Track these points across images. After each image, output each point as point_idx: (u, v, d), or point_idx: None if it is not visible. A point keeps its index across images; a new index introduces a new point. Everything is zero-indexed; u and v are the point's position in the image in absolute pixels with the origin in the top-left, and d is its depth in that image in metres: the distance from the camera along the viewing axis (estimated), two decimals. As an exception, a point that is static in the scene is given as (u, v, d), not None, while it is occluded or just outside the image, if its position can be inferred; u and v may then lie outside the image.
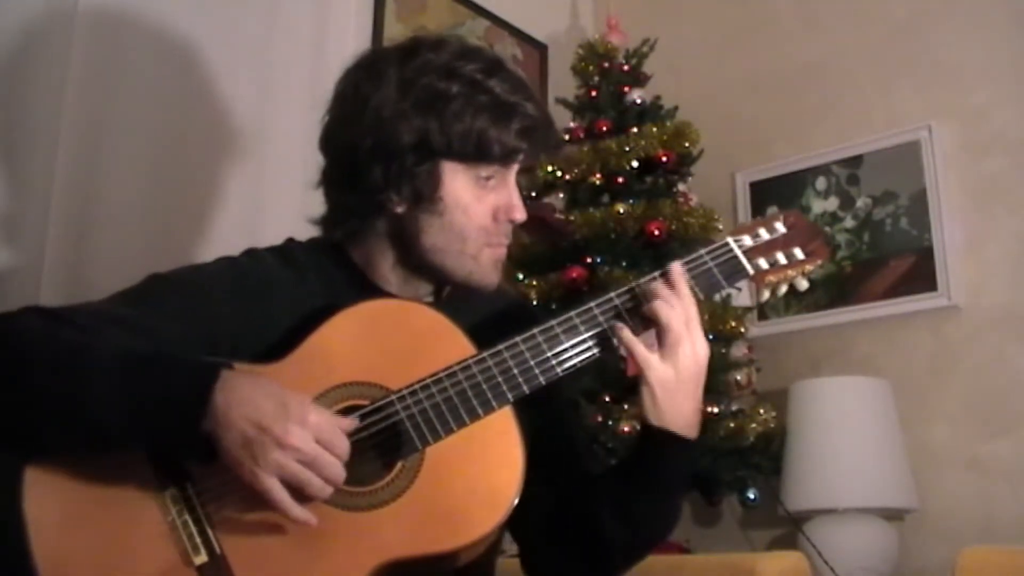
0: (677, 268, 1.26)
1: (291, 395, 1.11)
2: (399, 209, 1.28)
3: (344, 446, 1.11)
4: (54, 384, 1.10)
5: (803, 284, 1.33)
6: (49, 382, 1.10)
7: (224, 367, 1.11)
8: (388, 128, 1.25)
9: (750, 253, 1.30)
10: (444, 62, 1.27)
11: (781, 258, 1.31)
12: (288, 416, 1.08)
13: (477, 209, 1.28)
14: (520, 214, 1.31)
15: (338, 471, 1.10)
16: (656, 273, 1.27)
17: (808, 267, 1.32)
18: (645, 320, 1.26)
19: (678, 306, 1.23)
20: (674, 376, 1.24)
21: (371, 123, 1.26)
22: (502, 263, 1.34)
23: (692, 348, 1.23)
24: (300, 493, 1.09)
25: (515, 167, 1.32)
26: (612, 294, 1.28)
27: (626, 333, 1.24)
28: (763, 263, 1.31)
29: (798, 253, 1.31)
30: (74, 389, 1.10)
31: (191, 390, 1.09)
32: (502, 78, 1.28)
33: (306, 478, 1.08)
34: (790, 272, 1.31)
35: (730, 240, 1.31)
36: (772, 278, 1.31)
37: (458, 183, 1.27)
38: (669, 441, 1.26)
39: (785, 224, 1.32)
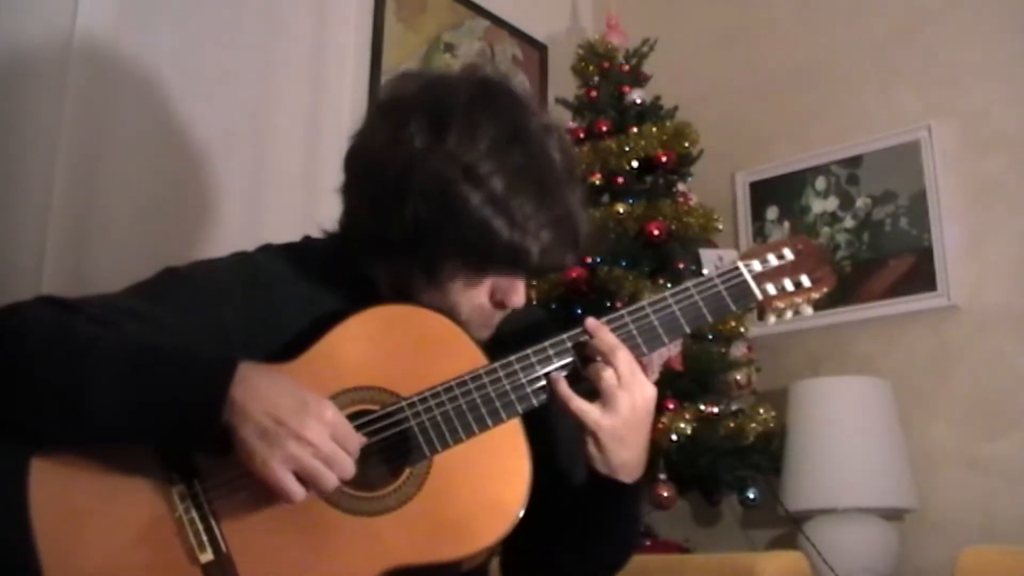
0: (592, 323, 1.23)
1: (308, 391, 1.11)
2: (395, 267, 1.25)
3: (356, 448, 1.11)
4: (65, 377, 1.10)
5: (807, 311, 1.33)
6: (60, 374, 1.10)
7: (241, 360, 1.11)
8: (393, 201, 1.20)
9: (759, 278, 1.30)
10: (472, 160, 1.18)
11: (788, 284, 1.31)
12: (306, 411, 1.08)
13: (473, 293, 1.25)
14: (518, 301, 1.26)
15: (350, 468, 1.10)
16: (533, 349, 1.23)
17: (814, 295, 1.32)
18: None
19: (610, 363, 1.20)
20: (615, 427, 1.20)
21: (380, 184, 1.22)
22: (495, 327, 1.30)
23: (631, 399, 1.20)
24: (308, 487, 1.09)
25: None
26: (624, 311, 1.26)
27: (562, 387, 1.21)
28: (771, 289, 1.31)
29: (805, 281, 1.32)
30: (85, 382, 1.09)
31: (210, 383, 1.09)
32: (531, 191, 1.19)
33: (319, 472, 1.08)
34: (796, 299, 1.32)
35: (740, 265, 1.31)
36: (779, 304, 1.31)
37: (457, 269, 1.23)
38: (613, 488, 1.24)
39: (793, 250, 1.33)
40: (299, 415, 1.08)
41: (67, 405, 1.10)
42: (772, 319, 1.33)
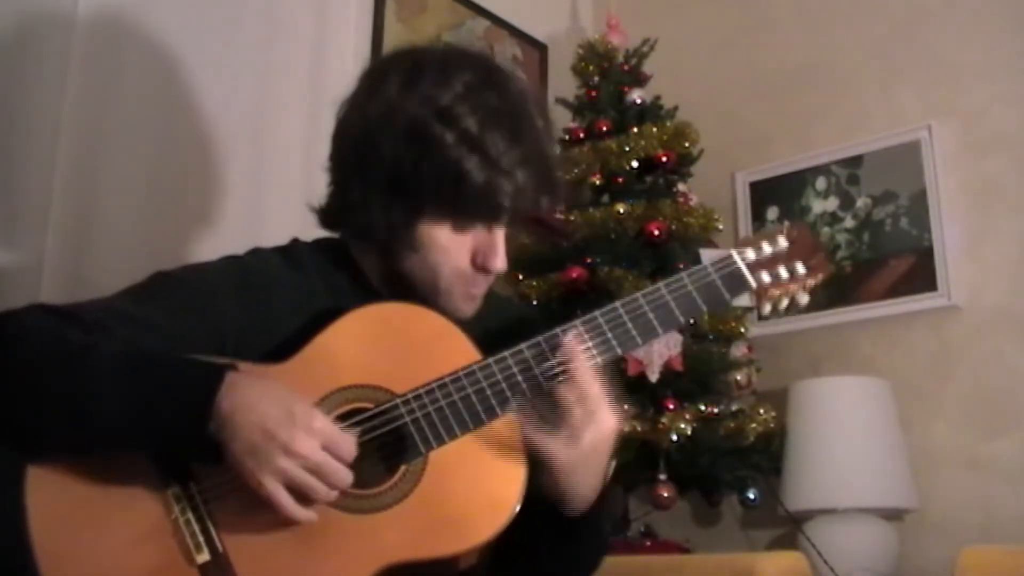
0: (571, 345, 1.19)
1: (297, 400, 1.10)
2: (377, 233, 1.26)
3: (350, 450, 1.10)
4: (59, 386, 1.10)
5: (803, 299, 1.33)
6: (54, 384, 1.10)
7: (229, 369, 1.11)
8: (369, 150, 1.23)
9: (753, 267, 1.30)
10: (444, 101, 1.21)
11: (783, 272, 1.31)
12: (294, 422, 1.07)
13: (453, 251, 1.25)
14: (498, 264, 1.26)
15: (344, 476, 1.10)
16: (559, 329, 1.21)
17: (809, 282, 1.32)
18: None
19: (578, 389, 1.17)
20: (570, 458, 1.18)
21: (358, 138, 1.25)
22: (479, 299, 1.30)
23: (597, 428, 1.18)
24: (304, 497, 1.09)
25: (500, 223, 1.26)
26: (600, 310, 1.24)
27: (529, 431, 1.17)
28: (765, 277, 1.30)
29: (800, 268, 1.32)
30: (79, 391, 1.09)
31: (196, 393, 1.09)
32: (506, 129, 1.22)
33: (311, 484, 1.08)
34: (791, 287, 1.32)
35: (734, 253, 1.30)
36: (774, 292, 1.31)
37: (435, 225, 1.24)
38: (561, 518, 1.23)
39: (788, 238, 1.32)
40: (287, 427, 1.07)
41: (63, 412, 1.10)
42: (767, 308, 1.33)
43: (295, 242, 1.39)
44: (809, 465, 2.52)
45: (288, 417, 1.08)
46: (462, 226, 1.24)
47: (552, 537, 1.25)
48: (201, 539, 1.12)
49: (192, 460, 1.13)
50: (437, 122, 1.20)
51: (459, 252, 1.25)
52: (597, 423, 1.18)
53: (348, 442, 1.11)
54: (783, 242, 1.32)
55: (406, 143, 1.21)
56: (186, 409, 1.08)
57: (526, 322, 1.38)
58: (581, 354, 1.20)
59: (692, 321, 2.53)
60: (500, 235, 1.27)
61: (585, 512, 1.23)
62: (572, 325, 1.23)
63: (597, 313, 1.24)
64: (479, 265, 1.27)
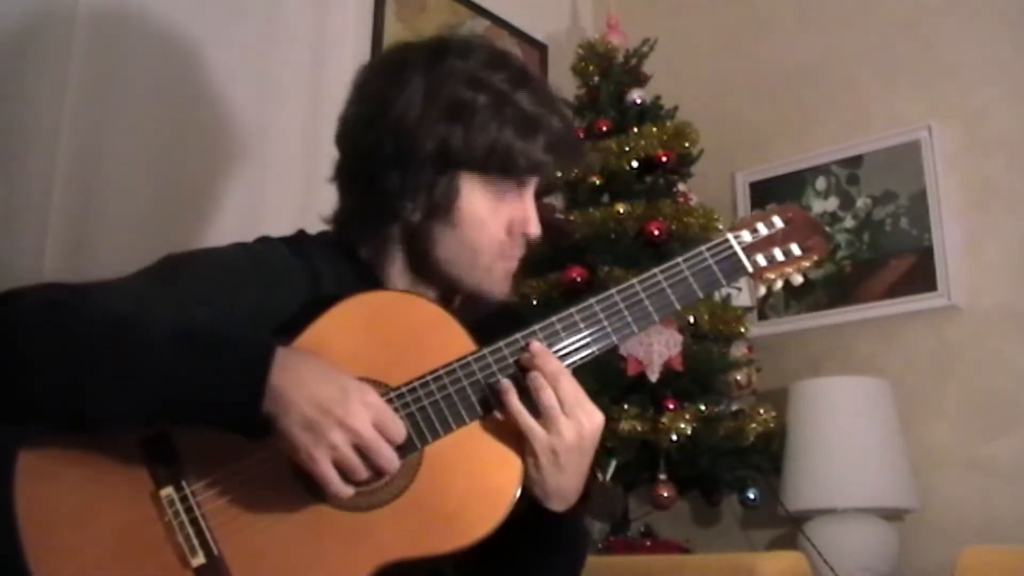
0: (537, 347, 1.20)
1: (347, 377, 1.11)
2: (414, 217, 1.27)
3: (400, 433, 1.11)
4: (108, 354, 1.07)
5: (797, 279, 1.32)
6: (103, 352, 1.07)
7: (277, 344, 1.10)
8: (410, 135, 1.25)
9: (749, 250, 1.29)
10: (471, 70, 1.27)
11: (779, 254, 1.30)
12: (348, 397, 1.08)
13: (492, 222, 1.29)
14: (535, 228, 1.31)
15: (392, 459, 1.10)
16: (523, 333, 1.21)
17: (805, 263, 1.31)
18: None
19: (551, 386, 1.18)
20: (558, 451, 1.18)
21: (393, 128, 1.26)
22: (513, 275, 1.34)
23: (577, 426, 1.18)
24: (347, 479, 1.08)
25: (534, 182, 1.32)
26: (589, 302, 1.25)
27: (511, 399, 1.18)
28: (761, 260, 1.30)
29: (795, 249, 1.31)
30: (129, 360, 1.07)
31: (249, 369, 1.07)
32: (530, 90, 1.29)
33: (354, 464, 1.07)
34: (787, 269, 1.31)
35: (730, 237, 1.29)
36: (770, 275, 1.30)
37: (476, 196, 1.27)
38: (545, 516, 1.22)
39: (783, 219, 1.31)
40: (342, 402, 1.07)
41: (120, 382, 1.07)
42: (762, 290, 1.33)
43: (301, 234, 1.38)
44: (809, 465, 2.52)
45: (342, 392, 1.08)
46: (501, 189, 1.28)
47: (528, 539, 1.24)
48: (196, 542, 1.11)
49: (239, 434, 1.09)
50: (469, 88, 1.26)
51: (496, 223, 1.29)
52: (576, 418, 1.19)
53: (397, 423, 1.11)
54: (778, 222, 1.31)
55: (446, 118, 1.25)
56: (240, 384, 1.07)
57: (511, 314, 1.37)
58: (550, 355, 1.20)
59: (691, 320, 2.53)
60: (531, 201, 1.32)
61: (564, 514, 1.22)
62: (548, 322, 1.23)
63: (592, 300, 1.24)
64: (515, 234, 1.31)
